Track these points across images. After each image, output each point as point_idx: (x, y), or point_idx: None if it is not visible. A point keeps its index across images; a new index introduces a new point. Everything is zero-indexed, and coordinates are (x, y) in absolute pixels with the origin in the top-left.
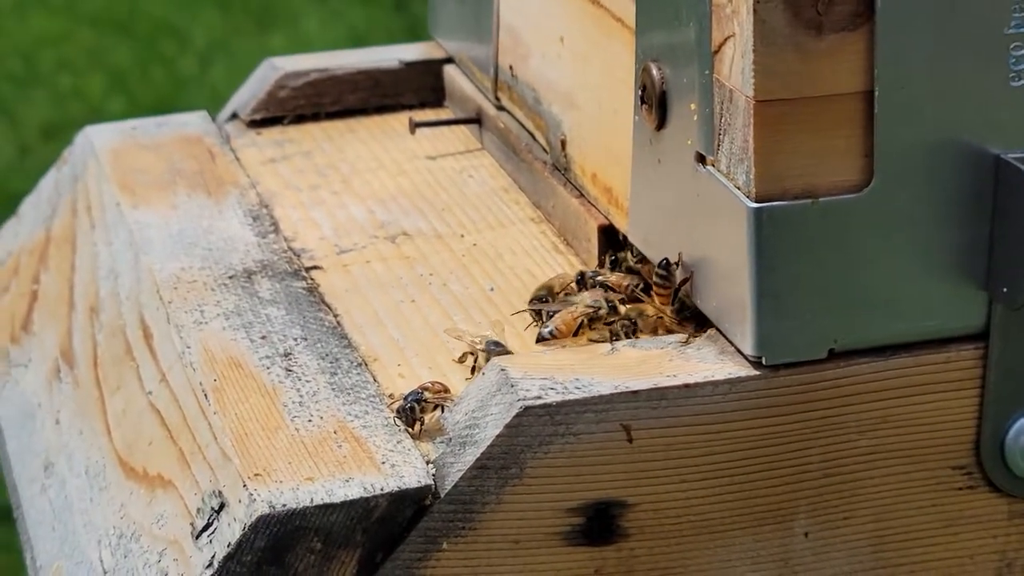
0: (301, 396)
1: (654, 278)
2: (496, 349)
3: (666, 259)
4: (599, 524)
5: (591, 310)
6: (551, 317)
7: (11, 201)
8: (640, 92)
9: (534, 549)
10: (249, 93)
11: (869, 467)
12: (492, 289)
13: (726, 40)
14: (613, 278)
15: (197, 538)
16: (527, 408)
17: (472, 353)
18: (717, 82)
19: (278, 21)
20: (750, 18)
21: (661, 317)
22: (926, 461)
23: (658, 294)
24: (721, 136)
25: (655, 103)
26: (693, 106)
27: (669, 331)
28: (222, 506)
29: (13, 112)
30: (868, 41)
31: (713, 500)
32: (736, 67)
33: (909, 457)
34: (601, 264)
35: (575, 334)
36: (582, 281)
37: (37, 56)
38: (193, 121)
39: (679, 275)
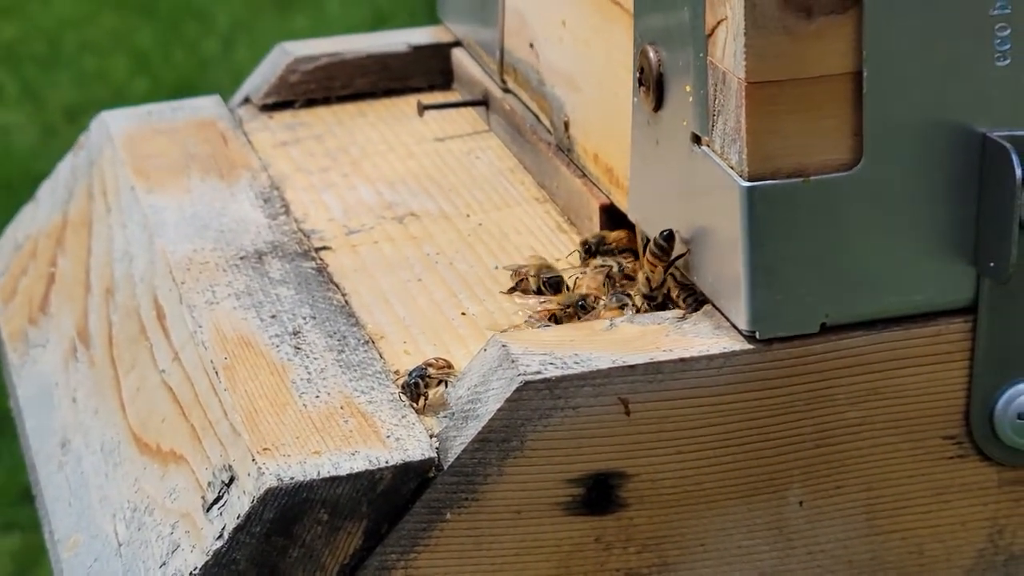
0: (309, 373)
1: (652, 247)
2: (547, 273)
3: (669, 230)
4: (598, 494)
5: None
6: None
7: (36, 182)
8: (638, 75)
9: (535, 519)
10: (261, 78)
11: (860, 438)
12: (497, 267)
13: (719, 23)
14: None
15: (208, 511)
16: (527, 383)
17: (523, 277)
18: (711, 64)
19: (300, 2)
20: (741, 2)
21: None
22: (916, 431)
23: (650, 263)
24: (715, 117)
25: (652, 85)
26: (688, 88)
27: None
28: (232, 480)
29: (38, 94)
30: (856, 23)
31: (709, 470)
32: (728, 50)
33: (899, 428)
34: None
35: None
36: (589, 250)
37: (61, 38)
38: (206, 105)
39: (676, 251)
